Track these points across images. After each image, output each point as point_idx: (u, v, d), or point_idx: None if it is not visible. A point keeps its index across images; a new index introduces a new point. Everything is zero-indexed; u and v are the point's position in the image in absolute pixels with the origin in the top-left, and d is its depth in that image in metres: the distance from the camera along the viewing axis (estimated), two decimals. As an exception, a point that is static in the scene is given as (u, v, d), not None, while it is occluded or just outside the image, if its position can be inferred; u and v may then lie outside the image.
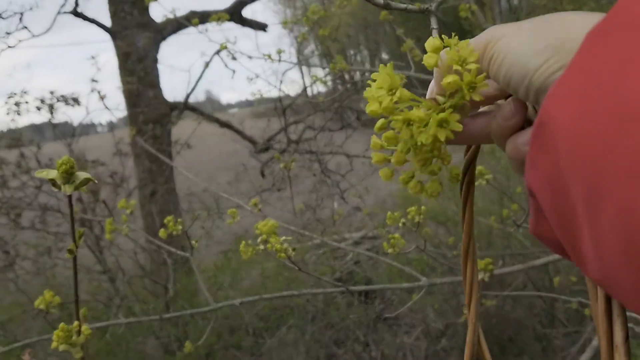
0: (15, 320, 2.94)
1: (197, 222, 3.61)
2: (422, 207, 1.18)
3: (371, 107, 0.39)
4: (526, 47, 0.35)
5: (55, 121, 3.95)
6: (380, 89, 0.39)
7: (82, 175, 0.53)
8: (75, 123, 3.97)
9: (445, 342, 3.10)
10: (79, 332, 0.63)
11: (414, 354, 3.12)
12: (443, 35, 0.41)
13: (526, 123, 0.39)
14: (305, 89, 4.61)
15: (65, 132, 4.04)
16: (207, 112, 4.88)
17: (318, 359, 3.06)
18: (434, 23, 0.51)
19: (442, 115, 0.38)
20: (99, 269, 3.19)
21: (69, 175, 0.52)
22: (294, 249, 1.09)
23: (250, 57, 2.26)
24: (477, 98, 0.38)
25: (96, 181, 0.54)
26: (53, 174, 0.52)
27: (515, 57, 0.35)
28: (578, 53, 0.30)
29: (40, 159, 3.59)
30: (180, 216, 3.75)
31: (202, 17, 3.30)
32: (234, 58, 2.22)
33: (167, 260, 2.52)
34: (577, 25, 0.34)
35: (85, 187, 0.54)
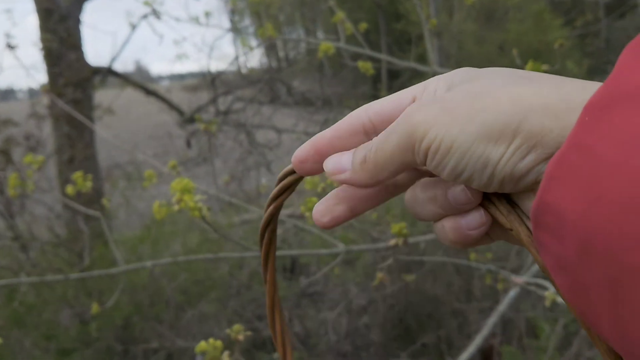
0: None
1: (117, 191, 3.50)
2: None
3: None
4: (474, 134, 0.31)
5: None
6: None
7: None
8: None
9: (367, 319, 3.16)
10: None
11: (336, 329, 3.16)
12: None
13: None
14: (237, 59, 4.53)
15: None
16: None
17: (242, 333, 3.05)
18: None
19: None
20: (10, 235, 3.05)
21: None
22: (208, 209, 1.06)
23: (177, 20, 2.18)
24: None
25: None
26: None
27: (465, 147, 0.31)
28: (577, 128, 0.26)
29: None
30: (101, 184, 3.62)
31: (129, -22, 3.17)
32: (157, 17, 2.13)
33: (84, 228, 2.43)
34: (525, 100, 0.31)
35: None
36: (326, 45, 1.80)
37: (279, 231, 4.02)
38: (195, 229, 3.51)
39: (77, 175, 1.20)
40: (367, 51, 1.96)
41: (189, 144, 3.86)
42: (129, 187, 3.65)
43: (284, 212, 3.86)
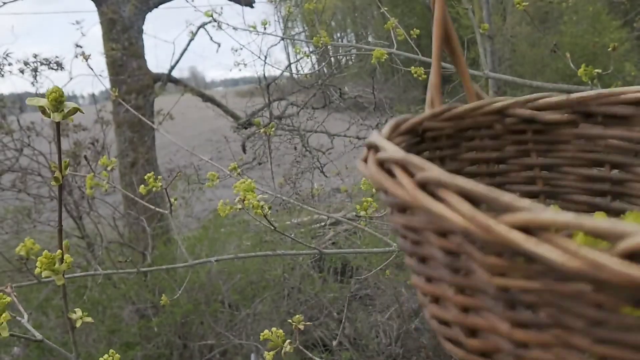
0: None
1: (176, 193, 3.63)
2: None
3: None
4: None
5: (37, 90, 3.91)
6: None
7: (70, 104, 0.57)
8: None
9: (418, 323, 3.16)
10: (61, 260, 0.67)
11: (387, 332, 3.18)
12: None
13: None
14: (289, 66, 4.63)
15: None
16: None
17: (292, 333, 3.10)
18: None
19: None
20: (78, 234, 3.21)
21: (58, 104, 0.55)
22: (270, 207, 1.13)
23: (235, 28, 2.28)
24: None
25: (83, 111, 0.57)
26: (43, 101, 0.55)
27: None
28: None
29: (22, 123, 3.58)
30: (161, 186, 3.75)
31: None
32: (219, 27, 2.23)
33: (146, 228, 2.55)
34: None
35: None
36: (379, 52, 1.85)
37: (330, 234, 4.07)
38: (250, 232, 3.60)
39: (149, 176, 1.29)
40: (420, 57, 2.00)
41: (244, 149, 3.96)
42: (187, 189, 3.79)
43: (337, 214, 3.92)
